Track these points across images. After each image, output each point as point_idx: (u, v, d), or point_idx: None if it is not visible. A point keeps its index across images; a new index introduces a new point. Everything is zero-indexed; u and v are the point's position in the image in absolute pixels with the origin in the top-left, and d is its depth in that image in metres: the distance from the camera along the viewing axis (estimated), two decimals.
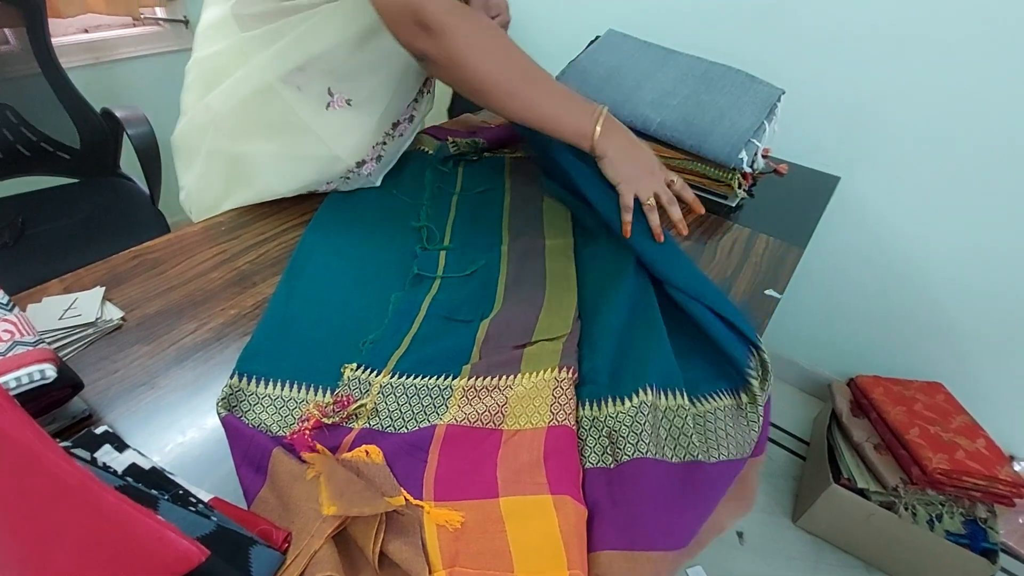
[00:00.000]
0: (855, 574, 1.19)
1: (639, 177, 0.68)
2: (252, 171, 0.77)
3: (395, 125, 0.81)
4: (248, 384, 0.52)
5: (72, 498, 0.32)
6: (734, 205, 0.97)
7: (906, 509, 1.10)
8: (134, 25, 1.49)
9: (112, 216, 1.20)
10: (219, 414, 0.48)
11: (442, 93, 1.02)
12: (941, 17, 1.09)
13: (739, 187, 0.96)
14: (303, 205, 0.82)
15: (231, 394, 0.51)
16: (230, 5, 0.70)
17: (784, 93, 1.02)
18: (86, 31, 1.41)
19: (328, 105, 0.72)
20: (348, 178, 0.81)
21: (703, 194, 0.99)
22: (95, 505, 0.32)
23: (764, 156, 1.07)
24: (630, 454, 0.45)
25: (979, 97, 1.11)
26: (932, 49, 1.12)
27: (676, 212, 0.69)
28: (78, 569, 0.29)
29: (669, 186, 0.70)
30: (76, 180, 1.27)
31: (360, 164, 0.79)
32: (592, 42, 1.12)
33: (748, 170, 0.96)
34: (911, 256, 1.32)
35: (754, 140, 0.95)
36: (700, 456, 0.47)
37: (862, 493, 1.14)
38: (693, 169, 0.98)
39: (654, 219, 0.67)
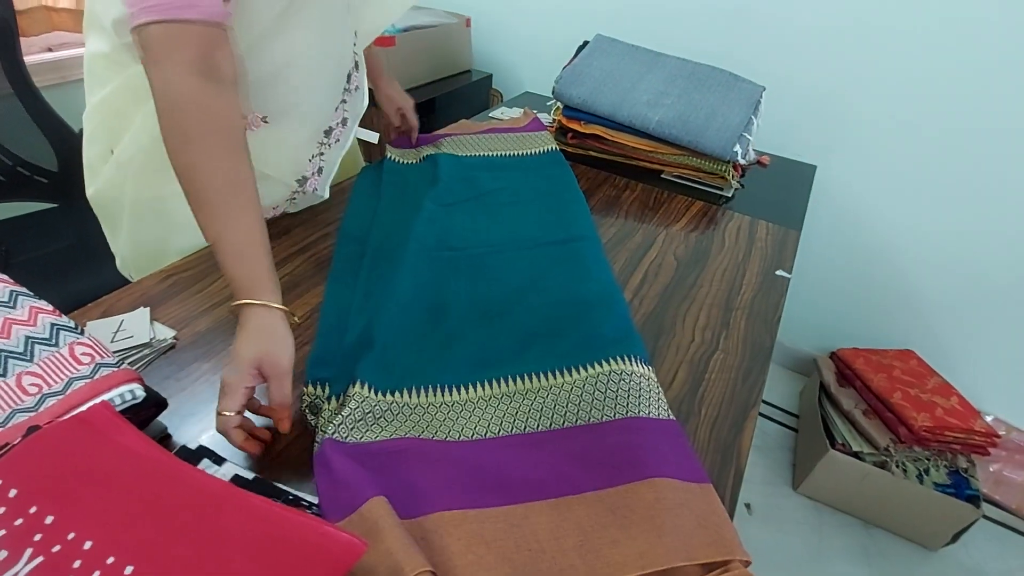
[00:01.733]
0: (855, 531, 1.28)
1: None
2: (185, 216, 0.68)
3: (328, 132, 0.75)
4: (324, 391, 0.52)
5: (225, 503, 0.33)
6: (729, 195, 1.03)
7: (897, 467, 1.19)
8: None
9: (98, 240, 1.15)
10: (310, 422, 0.49)
11: None
12: (905, 11, 1.19)
13: (732, 178, 1.02)
14: (328, 214, 0.83)
15: (311, 402, 0.51)
16: (114, 32, 0.59)
17: (765, 89, 1.10)
18: (50, 50, 1.34)
19: (244, 129, 0.64)
20: (294, 199, 0.78)
21: (699, 186, 1.05)
22: (248, 509, 0.33)
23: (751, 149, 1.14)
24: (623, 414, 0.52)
25: (939, 86, 1.22)
26: (896, 43, 1.22)
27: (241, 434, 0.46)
28: (256, 569, 0.30)
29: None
30: (55, 205, 1.21)
31: (302, 181, 0.75)
32: (581, 47, 1.17)
33: (741, 162, 1.02)
34: (882, 236, 1.43)
35: (745, 134, 1.02)
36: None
37: (857, 456, 1.23)
38: (689, 163, 1.04)
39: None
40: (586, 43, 1.17)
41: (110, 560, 0.29)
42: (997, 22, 1.12)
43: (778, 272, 0.82)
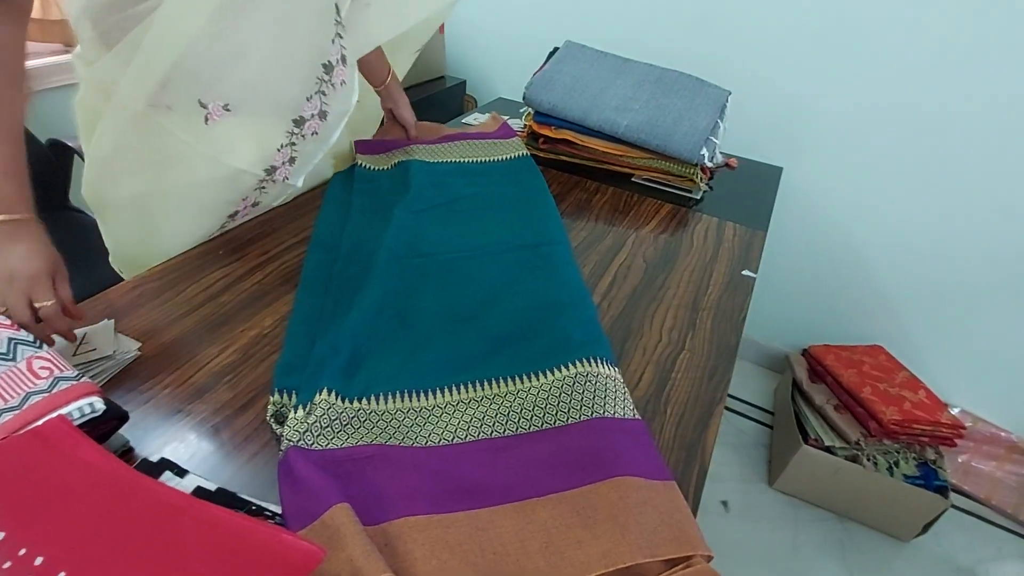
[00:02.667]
0: (830, 525, 1.30)
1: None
2: (162, 215, 0.72)
3: (299, 122, 0.74)
4: (291, 399, 0.52)
5: (182, 515, 0.33)
6: (698, 198, 1.06)
7: (868, 460, 1.22)
8: (67, 52, 1.41)
9: (67, 252, 1.13)
10: (275, 432, 0.49)
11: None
12: (869, 16, 1.23)
13: (701, 181, 1.04)
14: (301, 222, 0.83)
15: (277, 411, 0.51)
16: (75, 28, 0.61)
17: (731, 94, 1.13)
18: None
19: (206, 119, 0.65)
20: (264, 188, 0.77)
21: (669, 189, 1.07)
22: (209, 520, 0.33)
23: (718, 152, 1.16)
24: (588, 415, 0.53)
25: (901, 87, 1.26)
26: (856, 49, 1.26)
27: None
28: None
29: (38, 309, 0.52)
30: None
31: (271, 171, 0.74)
32: (552, 53, 1.18)
33: (708, 165, 1.05)
34: (849, 234, 1.47)
35: (712, 137, 1.04)
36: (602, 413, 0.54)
37: (829, 450, 1.25)
38: (658, 167, 1.06)
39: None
40: (556, 49, 1.19)
41: (62, 575, 0.29)
42: (959, 24, 1.16)
43: (744, 272, 0.84)
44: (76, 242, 1.17)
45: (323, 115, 0.76)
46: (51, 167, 1.15)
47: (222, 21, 0.60)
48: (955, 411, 1.48)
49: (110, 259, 0.79)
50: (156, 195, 0.70)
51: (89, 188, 0.73)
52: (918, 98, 1.25)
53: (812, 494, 1.32)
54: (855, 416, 1.27)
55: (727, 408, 1.60)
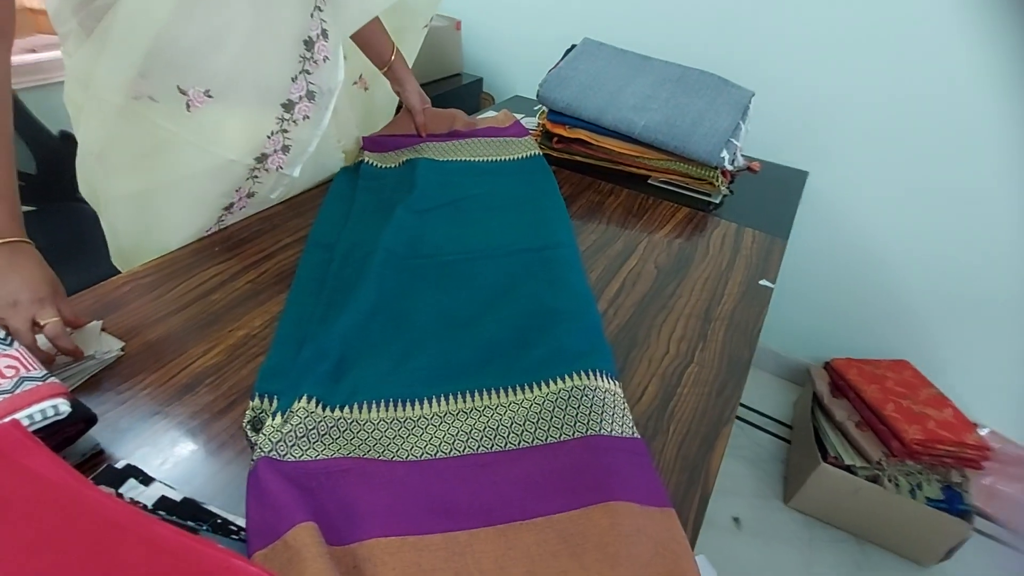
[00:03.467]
0: (847, 547, 1.24)
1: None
2: (156, 210, 0.71)
3: (288, 107, 0.72)
4: (270, 405, 0.50)
5: (128, 535, 0.31)
6: (718, 202, 1.01)
7: (890, 481, 1.16)
8: None
9: (74, 243, 1.13)
10: (250, 440, 0.47)
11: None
12: (893, 20, 1.17)
13: (721, 184, 1.00)
14: (298, 221, 0.81)
15: (255, 416, 0.49)
16: (53, 23, 0.59)
17: (754, 95, 1.07)
18: (33, 51, 1.33)
19: (188, 105, 0.64)
20: (257, 178, 0.75)
21: (688, 192, 1.02)
22: (153, 541, 0.31)
23: (740, 154, 1.11)
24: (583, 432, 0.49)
25: (934, 94, 1.19)
26: (886, 51, 1.20)
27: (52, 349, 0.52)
28: None
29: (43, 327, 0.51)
30: (33, 208, 1.19)
31: (262, 159, 0.73)
32: (568, 51, 1.15)
33: (729, 168, 1.00)
34: (874, 244, 1.40)
35: (733, 140, 0.99)
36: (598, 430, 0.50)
37: (849, 469, 1.19)
38: (677, 169, 1.01)
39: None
40: (574, 47, 1.15)
41: None
42: (998, 22, 1.09)
43: (761, 281, 0.80)
44: (83, 233, 1.17)
45: (311, 96, 0.74)
46: (61, 158, 1.16)
47: (194, 5, 0.58)
48: (983, 431, 1.40)
49: (111, 257, 0.78)
50: (149, 190, 0.69)
51: (84, 184, 0.73)
52: (951, 102, 1.18)
53: (829, 514, 1.26)
54: (877, 434, 1.20)
55: (743, 420, 1.55)
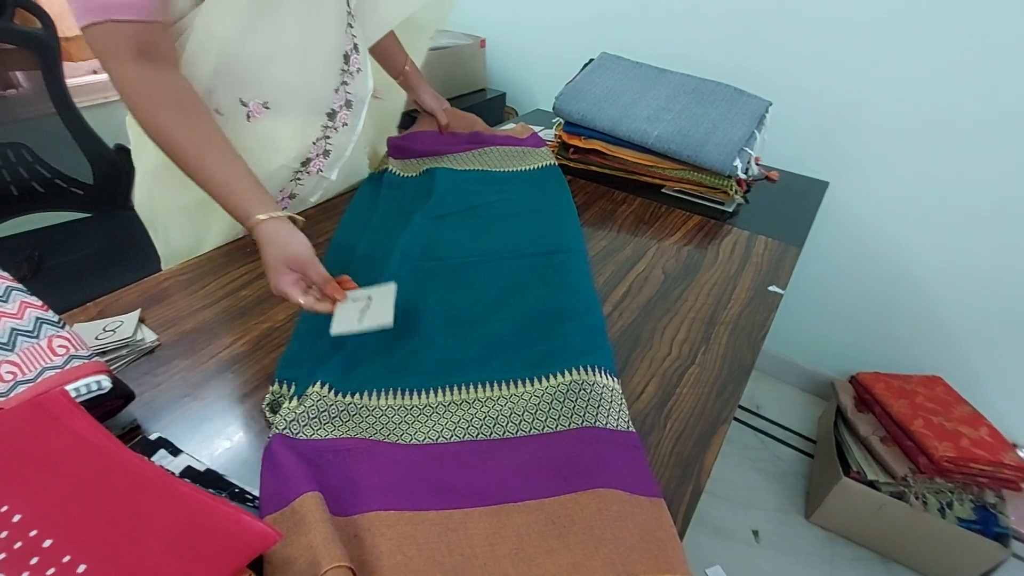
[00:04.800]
0: (870, 566, 1.20)
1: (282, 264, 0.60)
2: (211, 220, 0.78)
3: (332, 115, 0.78)
4: (288, 390, 0.54)
5: (152, 489, 0.35)
6: (731, 210, 1.02)
7: (916, 498, 1.12)
8: None
9: (125, 249, 1.23)
10: (269, 420, 0.51)
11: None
12: (916, 26, 1.16)
13: (735, 193, 1.00)
14: (326, 224, 0.86)
15: (274, 400, 0.53)
16: None
17: (771, 104, 1.08)
18: (95, 72, 1.45)
19: (248, 116, 0.71)
20: (299, 180, 0.81)
21: (702, 201, 1.03)
22: (174, 495, 0.35)
23: (756, 164, 1.12)
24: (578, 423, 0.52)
25: (958, 102, 1.17)
26: (908, 58, 1.19)
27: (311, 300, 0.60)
28: (167, 551, 0.31)
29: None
30: (89, 215, 1.30)
31: (306, 163, 0.79)
32: (586, 65, 1.18)
33: (743, 177, 1.01)
34: (902, 255, 1.37)
35: (746, 148, 1.00)
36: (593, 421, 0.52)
37: (872, 485, 1.16)
38: (691, 178, 1.03)
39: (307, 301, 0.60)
40: (591, 61, 1.19)
41: (33, 533, 0.31)
42: (1016, 36, 1.07)
43: (771, 288, 0.80)
44: (133, 237, 1.26)
45: (348, 104, 0.81)
46: (116, 170, 1.26)
47: (249, 23, 0.65)
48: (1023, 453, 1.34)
49: (163, 266, 0.84)
50: (205, 200, 0.75)
51: (141, 203, 0.79)
52: (976, 109, 1.15)
53: (852, 531, 1.23)
54: (903, 450, 1.17)
55: (766, 433, 1.52)
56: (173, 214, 0.78)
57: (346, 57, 0.78)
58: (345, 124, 0.81)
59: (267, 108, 0.71)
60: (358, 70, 0.81)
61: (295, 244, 0.58)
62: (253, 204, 0.59)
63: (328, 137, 0.80)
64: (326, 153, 0.81)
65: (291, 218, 0.61)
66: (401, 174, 0.98)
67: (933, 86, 1.18)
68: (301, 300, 0.57)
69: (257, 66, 0.68)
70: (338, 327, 0.56)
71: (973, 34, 1.11)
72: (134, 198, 0.80)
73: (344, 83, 0.79)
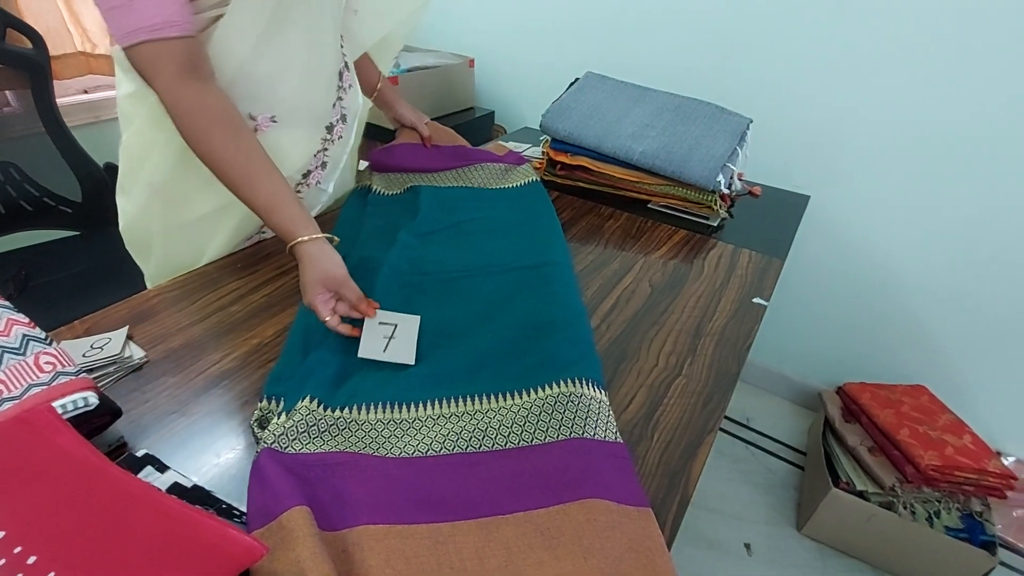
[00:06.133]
0: None
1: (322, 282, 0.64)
2: (211, 232, 0.79)
3: (330, 128, 0.82)
4: (277, 405, 0.54)
5: (138, 504, 0.35)
6: (716, 224, 1.04)
7: (905, 508, 1.13)
8: None
9: (113, 266, 1.22)
10: (254, 434, 0.51)
11: None
12: (892, 44, 1.20)
13: (720, 208, 1.03)
14: None
15: (262, 416, 0.53)
16: (135, 75, 0.66)
17: (752, 121, 1.11)
18: (86, 91, 1.46)
19: (256, 129, 0.73)
20: (299, 192, 0.83)
21: (687, 216, 1.05)
22: (160, 509, 0.35)
23: (739, 179, 1.14)
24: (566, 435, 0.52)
25: (931, 114, 1.21)
26: (886, 74, 1.23)
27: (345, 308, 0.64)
28: (153, 565, 0.31)
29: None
30: (77, 233, 1.29)
31: (306, 175, 0.82)
32: (572, 83, 1.21)
33: (727, 192, 1.03)
34: (884, 267, 1.40)
35: (729, 164, 1.03)
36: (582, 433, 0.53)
37: (861, 495, 1.17)
38: (675, 194, 1.05)
39: (342, 308, 0.64)
40: (577, 80, 1.22)
41: (17, 550, 0.31)
42: (1003, 42, 1.11)
43: (755, 300, 0.82)
44: (125, 256, 1.26)
45: (343, 118, 0.85)
46: (105, 188, 1.26)
47: (265, 43, 0.68)
48: (1010, 460, 1.36)
49: (148, 284, 0.84)
50: (209, 215, 0.77)
51: (135, 220, 0.79)
52: (953, 121, 1.19)
53: (843, 542, 1.23)
54: (890, 459, 1.18)
55: (756, 446, 1.53)
56: (174, 230, 0.79)
57: (340, 74, 0.81)
58: (340, 137, 0.85)
59: (274, 122, 0.74)
60: (350, 86, 0.85)
61: (333, 266, 0.62)
62: (297, 223, 0.63)
63: (326, 149, 0.83)
64: (323, 165, 0.84)
65: (328, 237, 0.64)
66: (386, 192, 0.99)
67: (910, 100, 1.22)
68: (328, 319, 0.61)
69: (267, 83, 0.71)
70: (364, 352, 0.60)
71: (948, 49, 1.15)
72: (121, 220, 0.80)
73: (339, 98, 0.82)
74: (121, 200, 0.79)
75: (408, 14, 0.92)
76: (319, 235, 0.63)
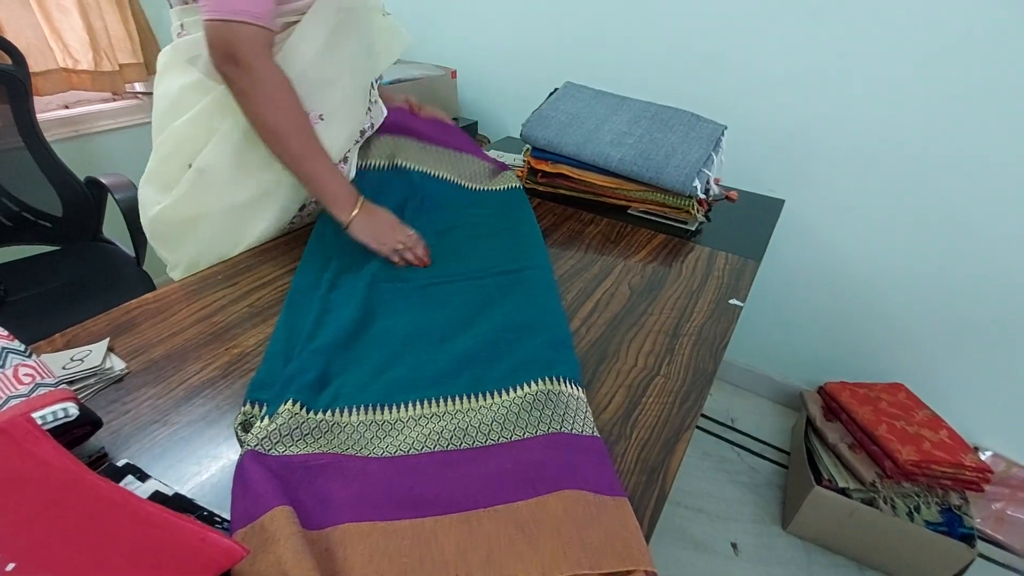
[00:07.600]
0: (847, 573, 1.22)
1: (383, 232, 0.81)
2: (251, 219, 0.85)
3: (362, 133, 0.93)
4: (260, 410, 0.55)
5: (119, 511, 0.35)
6: (694, 229, 1.06)
7: (885, 503, 1.15)
8: (114, 99, 1.55)
9: (95, 279, 1.22)
10: (238, 437, 0.51)
11: None
12: (861, 53, 1.24)
13: (697, 212, 1.05)
14: (293, 253, 0.87)
15: (245, 420, 0.54)
16: (201, 66, 0.76)
17: (727, 128, 1.14)
18: (66, 107, 1.45)
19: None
20: None
21: (666, 221, 1.08)
22: (140, 515, 0.35)
23: (716, 184, 1.17)
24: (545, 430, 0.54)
25: (898, 117, 1.25)
26: (853, 81, 1.27)
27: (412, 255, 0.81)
28: (133, 570, 0.32)
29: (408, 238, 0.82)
30: (57, 247, 1.28)
31: None
32: (552, 93, 1.23)
33: (704, 197, 1.05)
34: (860, 269, 1.43)
35: (705, 170, 1.05)
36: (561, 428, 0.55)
37: (844, 492, 1.19)
38: (653, 199, 1.07)
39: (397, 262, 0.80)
40: (556, 89, 1.24)
41: None
42: (970, 54, 1.15)
43: (731, 301, 0.84)
44: (108, 269, 1.25)
45: (372, 126, 0.96)
46: (85, 203, 1.25)
47: (327, 51, 0.78)
48: (987, 454, 1.39)
49: (174, 276, 0.88)
50: (254, 198, 0.84)
51: (174, 207, 0.81)
52: (919, 123, 1.23)
53: (827, 538, 1.25)
54: (870, 455, 1.20)
55: (741, 447, 1.54)
56: (219, 215, 0.83)
57: (372, 86, 0.92)
58: (358, 142, 0.94)
59: (321, 120, 0.82)
60: (375, 101, 0.95)
61: (387, 220, 0.81)
62: (351, 192, 0.79)
63: (350, 149, 0.92)
64: (345, 160, 0.91)
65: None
66: (369, 163, 0.97)
67: (879, 105, 1.26)
68: (396, 259, 0.79)
69: (323, 86, 0.80)
70: None
71: (914, 56, 1.19)
72: (151, 211, 0.83)
73: (369, 109, 0.93)
74: (150, 191, 0.84)
75: (396, 58, 0.99)
76: (362, 199, 0.79)
